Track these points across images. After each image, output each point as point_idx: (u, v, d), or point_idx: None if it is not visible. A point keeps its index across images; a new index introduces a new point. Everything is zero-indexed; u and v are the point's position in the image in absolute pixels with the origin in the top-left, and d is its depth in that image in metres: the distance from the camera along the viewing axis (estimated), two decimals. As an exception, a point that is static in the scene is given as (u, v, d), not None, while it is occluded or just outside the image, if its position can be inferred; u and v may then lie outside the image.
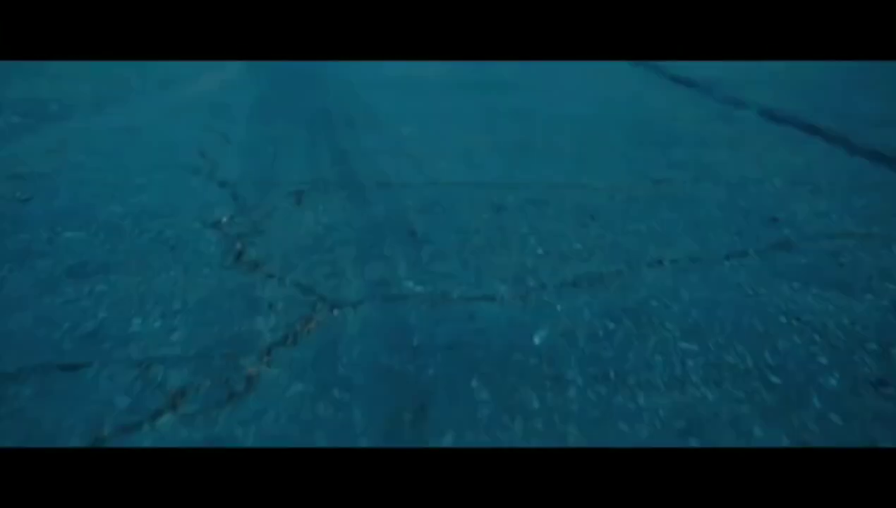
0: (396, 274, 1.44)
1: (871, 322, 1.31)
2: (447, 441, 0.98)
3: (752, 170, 2.24)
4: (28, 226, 1.64)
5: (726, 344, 1.23)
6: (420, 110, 2.98)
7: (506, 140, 2.48)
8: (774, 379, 1.13)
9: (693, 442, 0.99)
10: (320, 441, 0.96)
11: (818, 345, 1.23)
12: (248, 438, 0.96)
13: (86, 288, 1.34)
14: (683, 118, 3.02)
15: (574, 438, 0.99)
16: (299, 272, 1.43)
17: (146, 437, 0.96)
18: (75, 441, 0.95)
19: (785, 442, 1.00)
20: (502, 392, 1.07)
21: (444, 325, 1.25)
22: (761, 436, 1.01)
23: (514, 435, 0.99)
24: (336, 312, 1.28)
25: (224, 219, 1.68)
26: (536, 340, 1.22)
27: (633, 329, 1.26)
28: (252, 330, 1.21)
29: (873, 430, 1.02)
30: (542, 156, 2.28)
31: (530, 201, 1.87)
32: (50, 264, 1.44)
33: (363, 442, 0.96)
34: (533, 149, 2.38)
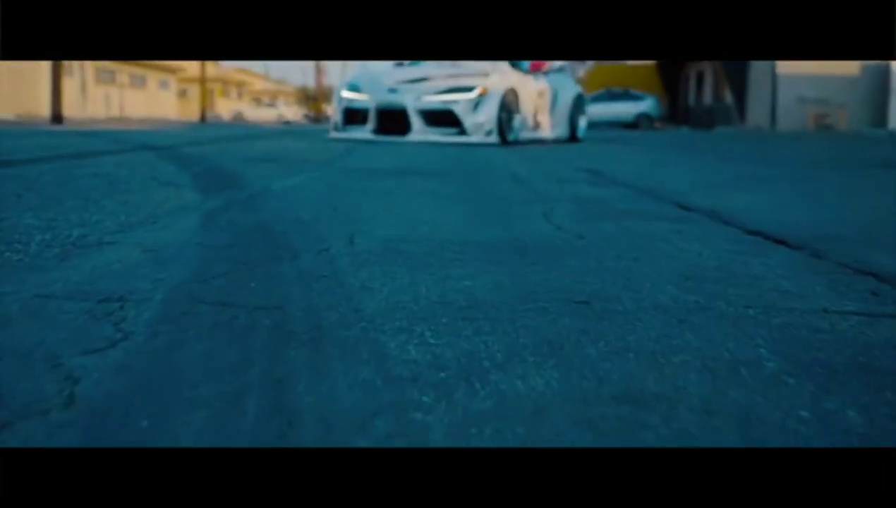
0: None
1: None
2: None
3: None
4: None
5: None
6: (430, 300, 1.80)
7: (594, 383, 1.28)
8: None
9: None
10: None
11: None
12: None
13: None
14: (833, 308, 1.85)
15: None
16: None
17: None
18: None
19: None
20: None
21: None
22: None
23: None
24: None
25: None
26: None
27: None
28: None
29: None
30: (687, 426, 1.08)
31: None
32: None
33: None
34: (660, 400, 1.18)
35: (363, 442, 1.02)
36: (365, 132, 12.23)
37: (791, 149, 13.27)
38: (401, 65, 14.11)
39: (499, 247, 2.64)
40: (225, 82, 76.91)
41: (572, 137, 14.67)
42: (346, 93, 12.77)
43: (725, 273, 2.30)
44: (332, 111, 13.34)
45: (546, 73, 13.82)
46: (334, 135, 12.75)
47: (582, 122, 15.13)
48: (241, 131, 19.83)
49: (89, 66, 47.07)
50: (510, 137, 12.13)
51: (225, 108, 71.51)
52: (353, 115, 12.52)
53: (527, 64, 13.61)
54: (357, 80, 13.04)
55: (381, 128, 12.09)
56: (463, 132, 11.75)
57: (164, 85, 60.17)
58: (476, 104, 11.75)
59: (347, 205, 3.68)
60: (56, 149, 8.04)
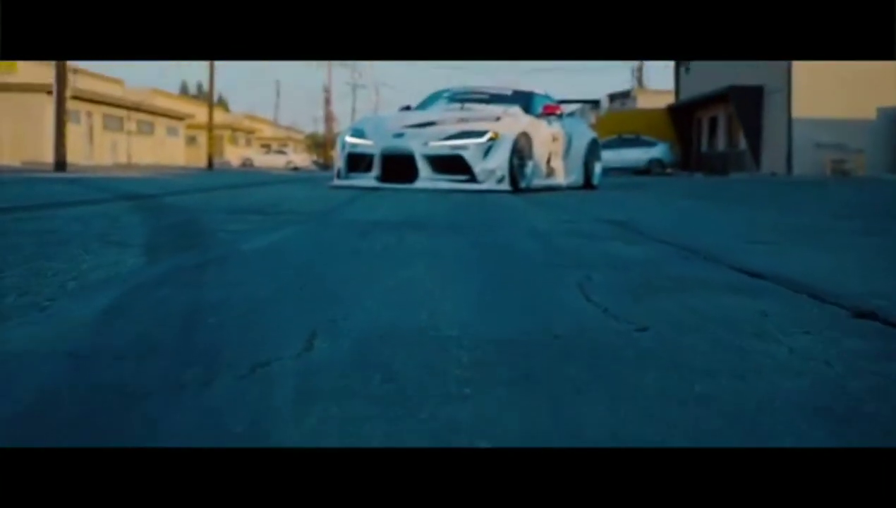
0: None
1: None
2: None
3: None
4: None
5: None
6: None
7: None
8: None
9: None
10: None
11: None
12: None
13: None
14: None
15: None
16: None
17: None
18: None
19: None
20: None
21: None
22: None
23: None
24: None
25: None
26: None
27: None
28: None
29: None
30: None
31: None
32: None
33: None
34: None
35: None
36: (369, 179, 11.44)
37: (821, 197, 12.44)
38: (407, 108, 13.41)
39: (527, 349, 1.79)
40: (234, 129, 76.84)
41: (587, 184, 13.88)
42: (349, 139, 12.01)
43: (887, 404, 1.45)
44: (336, 157, 12.60)
45: (560, 117, 13.07)
46: (337, 183, 11.96)
47: (597, 169, 14.35)
48: (244, 178, 19.17)
49: (97, 113, 46.80)
50: (523, 184, 11.33)
51: (234, 155, 71.29)
52: (357, 162, 11.73)
53: (539, 107, 12.88)
54: (361, 125, 12.30)
55: (386, 176, 11.29)
56: (473, 179, 10.94)
57: (172, 132, 59.89)
58: (487, 149, 10.96)
59: (325, 276, 2.85)
60: (23, 199, 7.28)
